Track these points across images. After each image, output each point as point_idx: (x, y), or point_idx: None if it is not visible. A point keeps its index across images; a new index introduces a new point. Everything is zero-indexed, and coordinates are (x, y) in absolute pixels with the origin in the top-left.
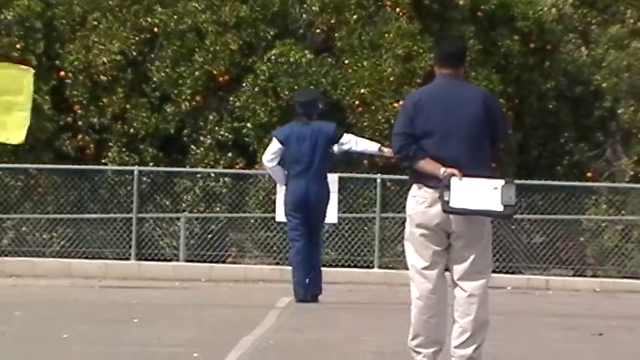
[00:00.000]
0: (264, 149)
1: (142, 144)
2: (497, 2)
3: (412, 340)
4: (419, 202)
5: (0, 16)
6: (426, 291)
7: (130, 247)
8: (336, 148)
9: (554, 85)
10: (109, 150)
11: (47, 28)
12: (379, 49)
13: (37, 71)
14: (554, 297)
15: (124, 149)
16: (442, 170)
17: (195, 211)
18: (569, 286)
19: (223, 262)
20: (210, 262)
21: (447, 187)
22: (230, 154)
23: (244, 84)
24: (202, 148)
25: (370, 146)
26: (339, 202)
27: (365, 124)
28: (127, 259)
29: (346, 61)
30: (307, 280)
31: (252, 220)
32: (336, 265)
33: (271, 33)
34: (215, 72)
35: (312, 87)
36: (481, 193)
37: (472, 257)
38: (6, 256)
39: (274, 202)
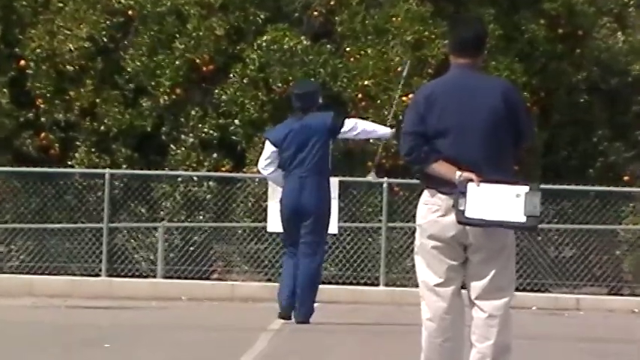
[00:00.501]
0: (254, 149)
1: (114, 143)
2: None
3: None
4: (431, 211)
5: None
6: (439, 311)
7: (101, 261)
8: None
9: (585, 76)
10: (76, 150)
11: (5, 11)
12: (385, 35)
13: None
14: (585, 318)
15: (93, 149)
16: (458, 174)
17: (176, 220)
18: (603, 307)
19: (207, 278)
20: (193, 278)
21: (463, 193)
22: (215, 155)
23: (231, 74)
24: (183, 148)
25: (380, 129)
26: (340, 209)
27: (369, 120)
28: (97, 275)
29: (348, 49)
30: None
31: (240, 231)
32: (337, 282)
33: (262, 16)
34: (198, 61)
35: (308, 78)
36: (501, 201)
37: (492, 273)
38: None
39: (266, 209)
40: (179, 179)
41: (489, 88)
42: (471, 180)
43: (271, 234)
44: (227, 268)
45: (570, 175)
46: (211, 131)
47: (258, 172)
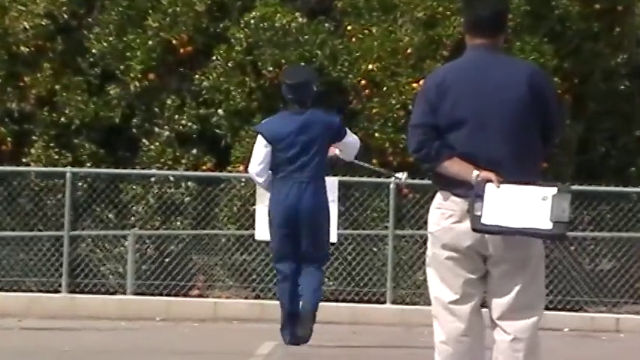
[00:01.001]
0: (240, 144)
1: (76, 137)
2: None
3: None
4: (444, 216)
5: None
6: (455, 333)
7: (61, 275)
8: (337, 151)
9: (626, 59)
10: (31, 145)
11: None
12: (393, 11)
13: None
14: (626, 341)
15: (52, 144)
16: (475, 174)
17: (148, 226)
18: None
19: (185, 295)
20: (168, 295)
21: (480, 196)
22: (195, 151)
23: (214, 57)
24: (158, 143)
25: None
26: (340, 214)
27: (374, 110)
28: (57, 291)
29: (349, 27)
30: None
31: (223, 239)
32: (336, 299)
33: None
34: (175, 41)
35: (303, 62)
36: (525, 205)
37: (517, 289)
38: None
39: (253, 214)
40: (152, 179)
41: (512, 73)
42: (490, 180)
43: (260, 243)
44: (209, 283)
45: (609, 175)
46: (190, 123)
47: (246, 171)
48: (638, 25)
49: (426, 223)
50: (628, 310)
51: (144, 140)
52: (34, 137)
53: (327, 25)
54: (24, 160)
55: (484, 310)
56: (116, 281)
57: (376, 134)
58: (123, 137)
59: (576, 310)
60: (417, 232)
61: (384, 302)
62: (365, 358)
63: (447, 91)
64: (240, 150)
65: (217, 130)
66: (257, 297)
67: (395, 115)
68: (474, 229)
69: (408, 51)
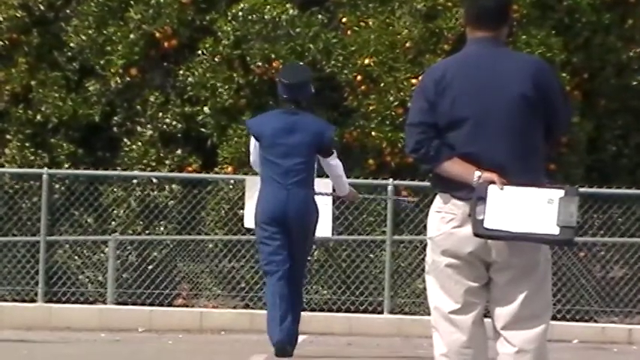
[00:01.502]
0: (228, 143)
1: (53, 137)
2: None
3: None
4: (445, 221)
5: None
6: (456, 344)
7: (37, 283)
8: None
9: (638, 53)
10: (5, 145)
11: None
12: (390, 3)
13: None
14: (639, 354)
15: (27, 144)
16: (476, 175)
17: (130, 232)
18: None
19: (170, 304)
20: (151, 304)
21: (482, 199)
22: (179, 151)
23: (200, 51)
24: (140, 143)
25: (343, 184)
26: (335, 219)
27: (370, 107)
28: (33, 300)
29: (344, 20)
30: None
31: (210, 245)
32: (330, 309)
33: None
34: (158, 34)
35: (294, 56)
36: (530, 209)
37: (522, 297)
38: None
39: (241, 218)
40: (134, 181)
41: (516, 68)
42: (493, 182)
43: (249, 249)
44: (194, 291)
45: (621, 176)
46: (174, 122)
47: (234, 172)
48: None
49: (425, 228)
50: None
51: (125, 140)
52: (8, 136)
53: (320, 17)
54: None
55: (487, 320)
56: (96, 290)
57: (373, 133)
58: (103, 136)
59: (586, 321)
60: (416, 237)
61: (381, 312)
62: None
63: (447, 88)
64: (227, 150)
65: (203, 129)
66: (246, 306)
67: (393, 113)
68: (475, 234)
69: (407, 44)
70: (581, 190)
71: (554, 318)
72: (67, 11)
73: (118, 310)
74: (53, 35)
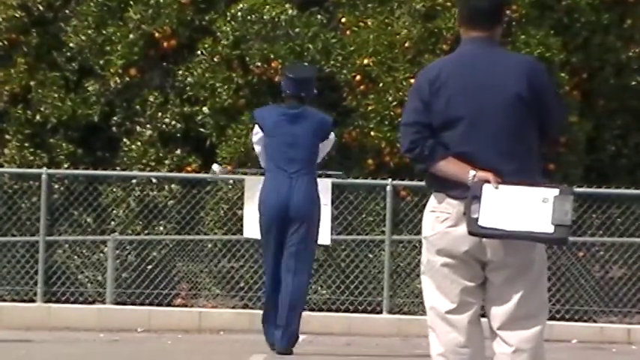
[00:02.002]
0: (227, 143)
1: (52, 137)
2: None
3: None
4: (439, 220)
5: None
6: (453, 344)
7: (36, 283)
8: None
9: (637, 53)
10: (5, 145)
11: None
12: (389, 3)
13: None
14: (638, 354)
15: (26, 144)
16: (471, 174)
17: (130, 231)
18: None
19: (169, 304)
20: (151, 304)
21: (477, 198)
22: (179, 151)
23: (199, 51)
24: (139, 143)
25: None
26: (334, 219)
27: (370, 107)
28: (32, 300)
29: (343, 20)
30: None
31: (209, 245)
32: (330, 309)
33: None
34: (157, 34)
35: (293, 57)
36: (524, 208)
37: (518, 296)
38: None
39: (241, 218)
40: (134, 181)
41: (510, 68)
42: (488, 181)
43: (248, 249)
44: (193, 291)
45: (620, 175)
46: (174, 122)
47: (232, 172)
48: None
49: None
50: None
51: (124, 140)
52: (7, 137)
53: (319, 17)
54: None
55: (483, 320)
56: (95, 290)
57: (372, 133)
58: (102, 136)
59: (585, 321)
60: (415, 237)
61: (380, 312)
62: None
63: (441, 87)
64: (226, 150)
65: (202, 129)
66: (245, 306)
67: (392, 113)
68: (470, 233)
69: (406, 45)
70: (581, 190)
71: (553, 318)
72: (66, 11)
73: (117, 310)
74: (52, 35)
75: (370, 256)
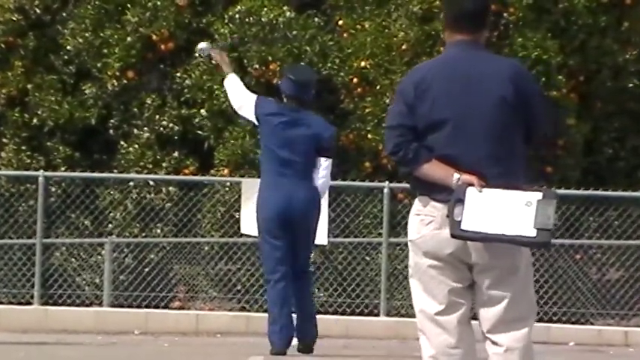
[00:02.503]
0: (224, 146)
1: (49, 140)
2: None
3: None
4: (424, 223)
5: None
6: (443, 346)
7: (33, 285)
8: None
9: (635, 56)
10: (2, 148)
11: None
12: (387, 5)
13: None
14: (635, 356)
15: (23, 147)
16: (456, 177)
17: (127, 234)
18: None
19: (166, 306)
20: (148, 306)
21: (461, 201)
22: (176, 154)
23: (197, 54)
24: (136, 146)
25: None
26: (331, 221)
27: (367, 110)
28: (29, 302)
29: (340, 22)
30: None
31: (206, 248)
32: (327, 312)
33: None
34: (155, 37)
35: (291, 59)
36: (507, 211)
37: (507, 300)
38: None
39: (238, 221)
40: (131, 184)
41: (495, 71)
42: (472, 184)
43: (245, 251)
44: (190, 294)
45: (617, 178)
46: (171, 124)
47: (230, 175)
48: None
49: None
50: (637, 323)
51: (122, 142)
52: (4, 139)
53: (316, 19)
54: None
55: (474, 322)
56: (92, 292)
57: (369, 135)
58: (99, 139)
59: (583, 323)
60: None
61: (377, 314)
62: None
63: (426, 91)
64: (224, 152)
65: (200, 132)
66: (242, 309)
67: None
68: (452, 235)
69: (403, 47)
70: (578, 192)
71: (550, 320)
72: (64, 14)
73: (114, 313)
74: (49, 38)
75: (367, 258)
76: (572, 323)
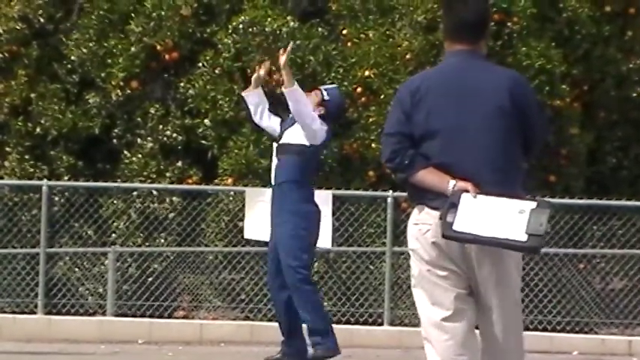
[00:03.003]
0: (228, 155)
1: (53, 149)
2: None
3: None
4: (422, 232)
5: None
6: (450, 352)
7: (37, 295)
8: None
9: (638, 65)
10: (5, 158)
11: None
12: (391, 15)
13: None
14: None
15: (27, 156)
16: (451, 183)
17: (130, 243)
18: None
19: (169, 316)
20: (151, 316)
21: (455, 205)
22: (180, 163)
23: (200, 64)
24: (140, 155)
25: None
26: (335, 230)
27: (371, 119)
28: (33, 312)
29: (344, 32)
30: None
31: (210, 257)
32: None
33: None
34: (159, 47)
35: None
36: (500, 217)
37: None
38: None
39: (241, 230)
40: (134, 193)
41: (493, 81)
42: (467, 190)
43: (249, 260)
44: (194, 303)
45: (621, 187)
46: (175, 134)
47: (234, 184)
48: None
49: None
50: None
51: (125, 152)
52: (7, 149)
53: (320, 29)
54: None
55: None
56: (96, 302)
57: (373, 145)
58: (103, 149)
59: (586, 332)
60: None
61: (381, 324)
62: None
63: (421, 100)
64: (227, 162)
65: (204, 141)
66: (246, 318)
67: None
68: (443, 236)
69: (407, 57)
70: (581, 201)
71: (553, 330)
72: (68, 24)
73: (117, 322)
74: (53, 48)
75: (371, 267)
76: (576, 332)
